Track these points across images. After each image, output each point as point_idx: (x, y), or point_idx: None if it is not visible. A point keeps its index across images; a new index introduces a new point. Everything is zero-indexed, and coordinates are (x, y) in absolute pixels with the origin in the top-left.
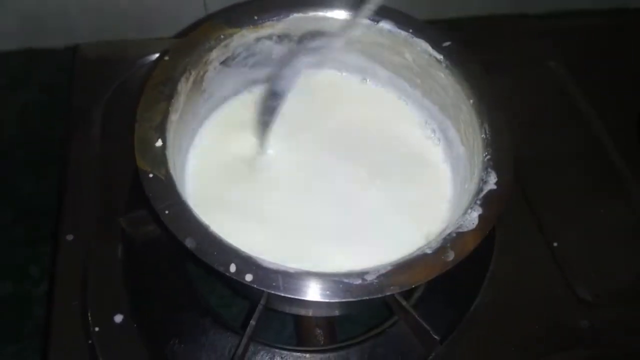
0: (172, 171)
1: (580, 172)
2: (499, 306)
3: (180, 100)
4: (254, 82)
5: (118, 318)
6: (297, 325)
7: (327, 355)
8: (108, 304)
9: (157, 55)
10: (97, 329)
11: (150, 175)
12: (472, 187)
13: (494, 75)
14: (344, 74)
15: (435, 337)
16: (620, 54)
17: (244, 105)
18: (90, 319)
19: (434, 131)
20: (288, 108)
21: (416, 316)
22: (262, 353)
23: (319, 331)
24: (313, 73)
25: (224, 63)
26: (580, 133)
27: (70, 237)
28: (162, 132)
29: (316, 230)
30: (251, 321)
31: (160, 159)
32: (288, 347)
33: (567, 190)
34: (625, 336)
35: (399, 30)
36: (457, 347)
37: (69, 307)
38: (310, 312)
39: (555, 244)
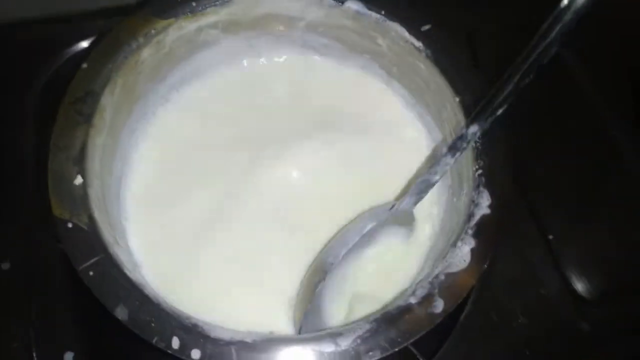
0: (96, 215)
1: (577, 161)
2: (494, 307)
3: (105, 117)
4: (195, 76)
5: (68, 356)
6: None
7: None
8: (56, 341)
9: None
10: None
11: (69, 225)
12: (460, 206)
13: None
14: (317, 57)
15: None
16: (623, 32)
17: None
18: None
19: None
20: (262, 94)
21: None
22: None
23: None
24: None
25: (161, 61)
26: (579, 119)
27: (6, 266)
28: (82, 163)
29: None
30: None
31: (81, 200)
32: None
33: (562, 180)
34: (626, 336)
35: (369, 12)
36: (450, 355)
37: (8, 350)
38: None
39: (550, 237)
